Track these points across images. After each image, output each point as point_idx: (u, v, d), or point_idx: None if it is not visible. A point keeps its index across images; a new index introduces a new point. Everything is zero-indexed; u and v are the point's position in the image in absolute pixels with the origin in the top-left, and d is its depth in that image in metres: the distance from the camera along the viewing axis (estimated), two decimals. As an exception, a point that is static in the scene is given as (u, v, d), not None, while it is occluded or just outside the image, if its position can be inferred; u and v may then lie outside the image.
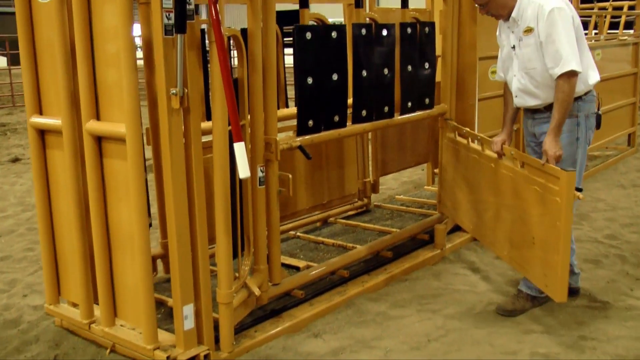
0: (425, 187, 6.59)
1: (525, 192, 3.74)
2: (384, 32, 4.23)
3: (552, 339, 3.61)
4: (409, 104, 4.59)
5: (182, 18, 2.90)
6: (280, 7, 3.73)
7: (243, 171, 2.90)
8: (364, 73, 4.14)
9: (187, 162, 3.10)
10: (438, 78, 4.96)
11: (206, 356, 3.26)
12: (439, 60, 5.03)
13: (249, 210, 3.57)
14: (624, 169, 7.84)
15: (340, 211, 5.54)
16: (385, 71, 4.28)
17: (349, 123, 4.14)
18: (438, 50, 4.90)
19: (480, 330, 3.74)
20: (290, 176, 3.70)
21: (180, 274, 3.12)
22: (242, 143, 2.90)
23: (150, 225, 3.78)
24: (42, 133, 3.54)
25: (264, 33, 3.53)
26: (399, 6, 4.86)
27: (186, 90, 3.01)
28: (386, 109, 4.36)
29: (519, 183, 3.82)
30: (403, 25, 4.43)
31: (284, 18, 4.41)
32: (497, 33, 4.07)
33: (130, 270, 3.24)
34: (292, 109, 4.41)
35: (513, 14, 3.78)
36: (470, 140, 4.52)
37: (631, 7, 9.15)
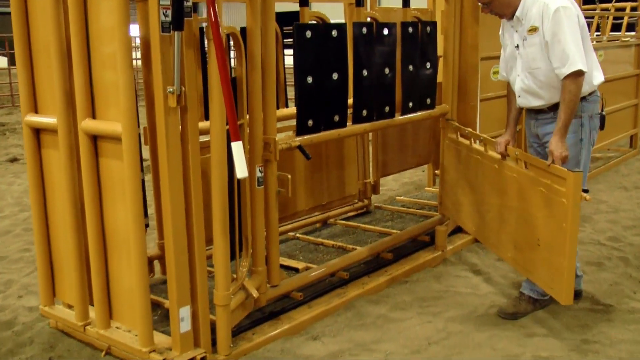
0: (426, 188, 6.54)
1: (530, 193, 3.69)
2: (385, 31, 4.17)
3: (554, 343, 3.56)
4: (410, 104, 4.53)
5: (179, 15, 2.85)
6: (281, 7, 3.68)
7: (241, 171, 2.85)
8: (365, 72, 4.08)
9: (184, 162, 3.05)
10: (440, 78, 4.91)
11: (203, 359, 3.21)
12: (441, 61, 4.98)
13: (248, 211, 3.52)
14: (626, 170, 7.79)
15: (340, 212, 5.48)
16: (386, 71, 4.23)
17: (349, 123, 4.09)
18: (440, 51, 4.85)
19: (481, 333, 3.69)
20: (289, 176, 3.65)
21: (176, 275, 3.07)
22: (240, 142, 2.85)
23: (147, 226, 3.76)
24: (38, 132, 3.49)
25: (263, 32, 3.48)
26: (401, 6, 4.81)
27: (183, 89, 2.96)
28: (387, 109, 4.31)
29: (523, 184, 3.76)
30: (404, 25, 4.38)
31: (285, 19, 4.36)
32: (500, 32, 4.01)
33: (126, 271, 3.19)
34: (292, 109, 4.36)
35: (517, 13, 3.72)
36: (472, 140, 4.47)
37: (634, 9, 9.11)
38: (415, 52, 4.48)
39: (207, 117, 3.71)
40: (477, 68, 5.10)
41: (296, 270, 4.28)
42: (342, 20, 5.11)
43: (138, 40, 3.65)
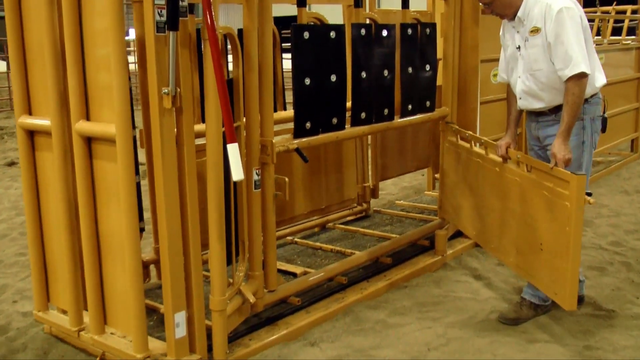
0: (426, 192, 6.49)
1: (532, 196, 3.63)
2: (384, 33, 4.12)
3: (556, 349, 3.51)
4: (410, 106, 4.48)
5: (174, 15, 2.80)
6: (281, 12, 3.63)
7: (237, 173, 2.80)
8: (364, 74, 4.03)
9: (180, 164, 3.00)
10: (439, 81, 4.87)
11: (198, 365, 3.16)
12: (440, 64, 4.93)
13: (244, 215, 3.47)
14: (627, 174, 7.75)
15: (339, 216, 5.42)
16: (385, 73, 4.17)
17: (347, 126, 4.04)
18: (439, 53, 4.80)
19: (482, 339, 3.63)
20: (286, 179, 3.59)
21: (171, 280, 3.01)
22: (236, 144, 2.80)
23: (143, 230, 3.70)
24: (32, 134, 3.44)
25: (260, 32, 3.43)
26: (400, 8, 4.76)
27: (179, 90, 2.91)
28: (386, 111, 4.25)
29: (525, 187, 3.71)
30: (403, 26, 4.33)
31: (284, 23, 4.31)
32: (501, 33, 3.96)
33: (121, 276, 3.13)
34: (290, 112, 4.30)
35: (519, 14, 3.67)
36: (473, 143, 4.42)
37: (634, 12, 9.07)
38: (415, 53, 4.43)
39: (204, 120, 3.65)
40: (477, 70, 5.05)
41: (294, 275, 4.22)
42: (341, 23, 5.07)
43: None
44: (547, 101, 3.71)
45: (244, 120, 3.43)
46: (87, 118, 3.09)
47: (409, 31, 4.35)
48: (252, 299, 3.47)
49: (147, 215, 3.91)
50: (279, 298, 3.81)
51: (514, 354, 3.46)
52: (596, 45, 7.37)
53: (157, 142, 2.89)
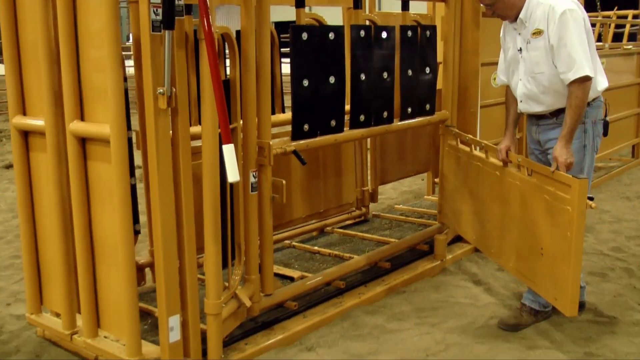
0: (426, 196, 6.43)
1: (533, 201, 3.58)
2: (384, 35, 4.08)
3: (557, 355, 3.46)
4: (409, 109, 4.43)
5: (170, 14, 2.75)
6: (280, 17, 3.59)
7: (232, 175, 2.75)
8: (363, 76, 3.99)
9: (175, 165, 2.95)
10: (439, 85, 4.82)
11: (193, 370, 3.10)
12: (440, 67, 4.89)
13: (241, 217, 3.42)
14: (628, 180, 7.70)
15: (337, 220, 5.37)
16: (385, 75, 4.13)
17: (346, 128, 3.99)
18: (439, 57, 4.76)
19: (481, 345, 3.58)
20: (284, 182, 3.54)
21: (165, 283, 2.95)
22: (232, 145, 2.75)
23: (139, 232, 3.65)
24: (26, 135, 3.39)
25: (258, 33, 3.39)
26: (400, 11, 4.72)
27: (174, 90, 2.86)
28: (385, 114, 4.21)
29: (526, 192, 3.66)
30: (403, 28, 4.29)
31: (284, 28, 4.27)
32: (501, 35, 3.92)
33: (115, 278, 3.08)
34: (289, 115, 4.25)
35: (521, 15, 3.62)
36: (473, 147, 4.37)
37: (636, 17, 9.04)
38: (415, 56, 4.39)
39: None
40: (478, 74, 5.01)
41: (291, 279, 4.17)
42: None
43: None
44: (548, 104, 3.66)
45: (241, 121, 3.38)
46: (82, 118, 3.05)
47: (409, 33, 4.31)
48: (248, 303, 3.42)
49: (143, 219, 3.87)
50: (275, 302, 3.76)
51: (513, 361, 3.41)
52: (597, 50, 7.34)
53: (152, 142, 2.84)
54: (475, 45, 4.95)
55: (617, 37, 9.40)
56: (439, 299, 4.21)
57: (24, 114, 3.36)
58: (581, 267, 3.32)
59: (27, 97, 3.34)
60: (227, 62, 3.42)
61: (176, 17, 2.79)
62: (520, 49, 3.70)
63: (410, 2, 4.53)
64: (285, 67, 4.57)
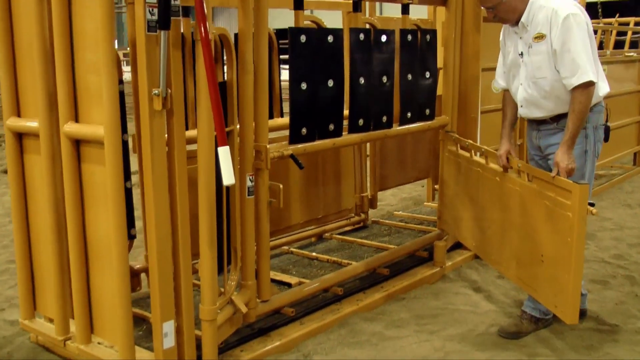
0: (426, 203, 6.39)
1: (533, 207, 3.53)
2: (383, 38, 4.04)
3: (558, 364, 3.40)
4: (409, 114, 4.39)
5: (166, 14, 2.72)
6: (281, 24, 3.55)
7: (227, 177, 2.70)
8: (362, 80, 3.95)
9: (170, 168, 2.90)
10: (440, 91, 4.78)
11: (187, 376, 3.04)
12: (441, 73, 4.85)
13: (237, 222, 3.37)
14: (629, 188, 7.65)
15: (336, 226, 5.31)
16: (384, 79, 4.09)
17: (345, 133, 3.95)
18: (440, 63, 4.71)
19: (481, 353, 3.53)
20: (281, 186, 3.49)
21: (160, 288, 2.90)
22: (227, 147, 2.70)
23: (134, 237, 3.59)
24: (20, 137, 3.34)
25: (256, 35, 3.35)
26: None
27: (170, 91, 2.82)
28: (384, 118, 4.16)
29: (526, 197, 3.61)
30: (403, 32, 4.25)
31: (283, 35, 4.23)
32: (501, 38, 3.87)
33: (108, 283, 3.02)
34: (287, 119, 4.21)
35: (522, 19, 3.57)
36: (473, 153, 4.32)
37: (637, 24, 9.01)
38: (415, 60, 4.35)
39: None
40: (478, 79, 4.96)
41: (289, 285, 4.11)
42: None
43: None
44: (549, 110, 3.61)
45: (238, 125, 3.34)
46: (76, 120, 3.00)
47: (409, 37, 4.27)
48: (244, 309, 3.36)
49: (140, 224, 3.82)
50: (272, 309, 3.71)
51: (514, 369, 3.36)
52: (599, 57, 7.30)
53: (147, 144, 2.79)
54: (476, 50, 4.91)
55: (618, 45, 9.37)
56: (438, 306, 4.15)
57: (19, 115, 3.31)
58: (582, 274, 3.27)
59: (22, 99, 3.30)
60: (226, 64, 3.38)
61: (172, 18, 2.76)
62: (522, 53, 3.65)
63: (411, 7, 4.49)
64: (285, 74, 4.54)
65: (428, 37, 4.43)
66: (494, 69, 4.83)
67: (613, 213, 6.45)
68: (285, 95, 5.01)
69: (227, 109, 3.25)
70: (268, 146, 3.41)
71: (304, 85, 3.58)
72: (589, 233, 5.65)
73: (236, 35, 3.43)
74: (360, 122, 4.01)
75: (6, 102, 3.31)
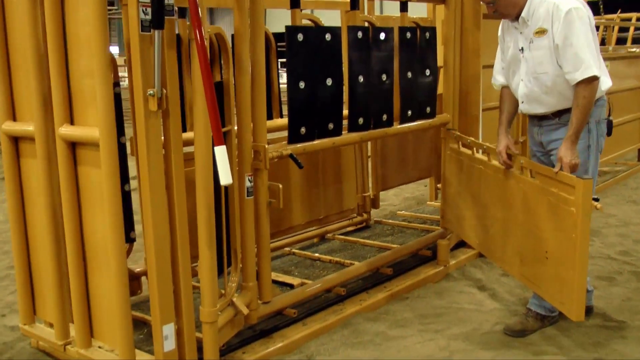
0: (428, 202, 6.34)
1: (536, 203, 3.49)
2: (382, 36, 4.00)
3: (564, 361, 3.35)
4: (409, 112, 4.35)
5: (159, 13, 2.68)
6: (281, 28, 3.52)
7: (225, 177, 2.67)
8: (361, 79, 3.91)
9: (167, 169, 2.87)
10: (440, 90, 4.74)
11: (188, 379, 3.01)
12: (441, 71, 4.81)
13: (237, 223, 3.33)
14: (634, 184, 7.60)
15: (338, 227, 5.28)
16: (384, 77, 4.05)
17: (345, 132, 3.91)
18: (440, 61, 4.67)
19: (486, 351, 3.48)
20: (280, 186, 3.46)
21: (159, 290, 2.86)
22: (224, 147, 2.67)
23: (134, 240, 3.56)
24: (16, 141, 3.32)
25: (252, 34, 3.32)
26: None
27: (165, 92, 2.79)
28: (384, 117, 4.12)
29: (529, 194, 3.56)
30: (402, 29, 4.21)
31: (283, 38, 4.20)
32: (500, 33, 3.83)
33: (107, 287, 2.99)
34: (287, 120, 4.18)
35: (523, 14, 3.53)
36: (475, 150, 4.28)
37: (639, 19, 8.96)
38: (414, 58, 4.31)
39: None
40: (479, 76, 4.92)
41: (291, 286, 4.07)
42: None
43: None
44: (551, 105, 3.57)
45: (236, 124, 3.30)
46: (72, 122, 2.97)
47: (408, 35, 4.23)
48: (245, 311, 3.33)
49: (141, 228, 3.79)
50: (274, 310, 3.67)
51: (519, 367, 3.31)
52: (601, 53, 7.26)
53: (143, 145, 2.76)
54: (476, 47, 4.87)
55: (620, 42, 9.32)
56: (442, 305, 4.11)
57: (14, 119, 3.29)
58: (587, 270, 3.22)
59: (17, 103, 3.27)
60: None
61: (166, 17, 2.72)
62: (522, 49, 3.61)
63: (412, 6, 4.45)
64: (285, 77, 4.51)
65: (427, 34, 4.39)
66: (494, 66, 4.81)
67: (618, 209, 6.40)
68: (285, 97, 5.00)
69: (224, 108, 3.21)
70: (267, 146, 3.37)
71: (302, 84, 3.54)
72: (594, 230, 5.60)
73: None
74: (360, 120, 3.98)
75: (1, 106, 3.28)
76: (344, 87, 3.86)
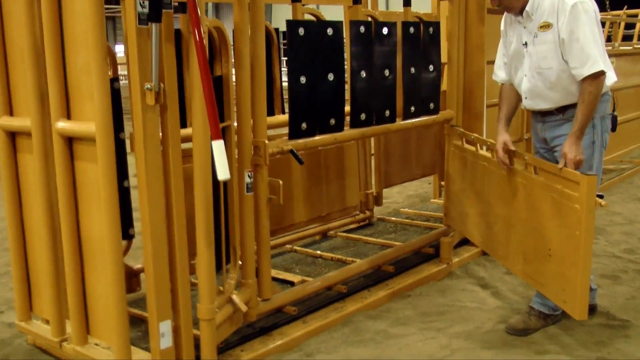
0: (432, 200, 6.30)
1: (540, 200, 3.43)
2: (385, 31, 3.96)
3: (567, 361, 3.31)
4: (412, 108, 4.30)
5: (157, 6, 2.65)
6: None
7: (222, 172, 2.63)
8: (363, 74, 3.86)
9: (165, 164, 2.83)
10: (444, 86, 4.69)
11: (185, 377, 2.97)
12: (445, 68, 4.76)
13: (236, 219, 3.29)
14: (640, 182, 7.54)
15: (340, 224, 5.23)
16: (386, 72, 4.01)
17: (347, 128, 3.87)
18: (444, 57, 4.63)
19: (488, 350, 3.44)
20: (280, 182, 3.42)
21: (156, 287, 2.83)
22: (221, 141, 2.63)
23: (133, 236, 3.53)
24: (13, 136, 3.28)
25: (253, 29, 3.28)
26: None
27: (162, 86, 2.75)
28: (387, 113, 4.08)
29: (533, 191, 3.51)
30: (405, 24, 4.17)
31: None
32: (502, 27, 3.77)
33: (104, 283, 2.96)
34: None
35: (527, 8, 3.47)
36: (479, 147, 4.23)
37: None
38: (417, 53, 4.26)
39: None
40: (484, 72, 4.86)
41: (292, 283, 4.04)
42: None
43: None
44: (555, 101, 3.52)
45: (235, 120, 3.27)
46: (69, 117, 2.94)
47: (411, 29, 4.19)
48: (243, 308, 3.29)
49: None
50: (273, 307, 3.63)
51: (522, 366, 3.27)
52: (607, 49, 7.19)
53: (140, 140, 2.73)
54: (480, 42, 4.82)
55: (626, 40, 9.25)
56: (444, 303, 4.06)
57: (11, 114, 3.25)
58: (591, 268, 3.17)
59: (14, 98, 3.23)
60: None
61: (164, 10, 2.69)
62: (526, 43, 3.56)
63: (416, 2, 4.41)
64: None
65: (431, 29, 4.34)
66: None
67: (623, 207, 6.34)
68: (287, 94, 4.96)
69: (224, 103, 3.17)
70: (267, 142, 3.34)
71: (303, 79, 3.50)
72: (599, 228, 5.54)
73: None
74: (362, 116, 3.93)
75: (-1, 101, 3.25)
76: (346, 83, 3.82)
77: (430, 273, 4.46)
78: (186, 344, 2.99)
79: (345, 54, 3.83)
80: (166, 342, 2.90)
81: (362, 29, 3.84)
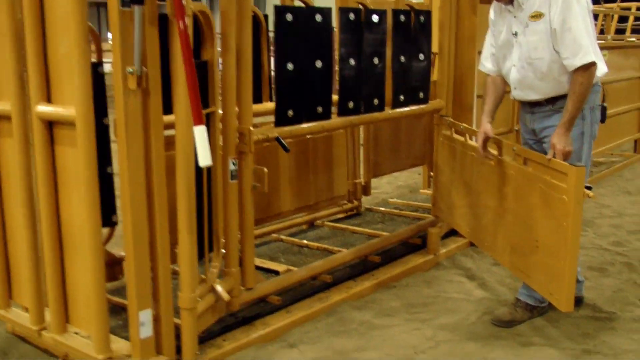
0: (421, 190, 6.26)
1: (528, 190, 3.40)
2: (375, 18, 3.90)
3: (553, 353, 3.29)
4: (401, 97, 4.26)
5: (140, -12, 2.59)
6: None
7: (204, 158, 2.57)
8: (352, 62, 3.81)
9: (146, 149, 2.77)
10: (434, 77, 4.64)
11: (165, 367, 2.93)
12: (436, 58, 4.70)
13: (219, 207, 3.24)
14: (630, 175, 7.52)
15: (328, 213, 5.20)
16: (376, 61, 3.95)
17: (334, 116, 3.82)
18: (434, 47, 4.57)
19: (473, 342, 3.41)
20: (265, 170, 3.37)
21: (135, 275, 2.77)
22: (203, 127, 2.57)
23: (116, 224, 3.48)
24: (-5, 120, 3.22)
25: (239, 13, 3.22)
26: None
27: (145, 70, 2.69)
28: (376, 101, 4.03)
29: (521, 182, 3.48)
30: (396, 12, 4.11)
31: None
32: (491, 17, 3.72)
33: (82, 271, 2.90)
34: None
35: None
36: (468, 137, 4.19)
37: (639, 9, 8.85)
38: (408, 42, 4.21)
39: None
40: (474, 62, 4.80)
41: (277, 273, 3.99)
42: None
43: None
44: (545, 92, 3.48)
45: (220, 106, 3.21)
46: (49, 101, 2.88)
47: (402, 17, 4.14)
48: (226, 297, 3.24)
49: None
50: (257, 296, 3.58)
51: (507, 358, 3.23)
52: (599, 42, 7.15)
53: (121, 125, 2.67)
54: (472, 33, 4.76)
55: (618, 33, 9.22)
56: (430, 294, 4.03)
57: (-5, 99, 3.19)
58: (578, 260, 3.14)
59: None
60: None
61: (147, -7, 2.63)
62: (516, 33, 3.51)
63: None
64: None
65: (422, 18, 4.29)
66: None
67: (612, 200, 6.33)
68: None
69: (208, 88, 3.12)
70: (252, 129, 3.28)
71: (290, 66, 3.45)
72: (588, 220, 5.53)
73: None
74: (350, 104, 3.88)
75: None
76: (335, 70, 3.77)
77: (417, 264, 4.42)
78: (167, 333, 2.94)
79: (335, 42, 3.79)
80: (146, 331, 2.85)
81: (351, 15, 3.79)
